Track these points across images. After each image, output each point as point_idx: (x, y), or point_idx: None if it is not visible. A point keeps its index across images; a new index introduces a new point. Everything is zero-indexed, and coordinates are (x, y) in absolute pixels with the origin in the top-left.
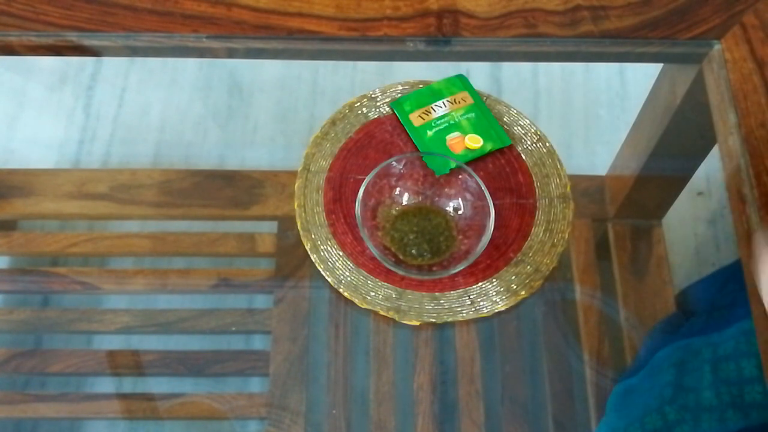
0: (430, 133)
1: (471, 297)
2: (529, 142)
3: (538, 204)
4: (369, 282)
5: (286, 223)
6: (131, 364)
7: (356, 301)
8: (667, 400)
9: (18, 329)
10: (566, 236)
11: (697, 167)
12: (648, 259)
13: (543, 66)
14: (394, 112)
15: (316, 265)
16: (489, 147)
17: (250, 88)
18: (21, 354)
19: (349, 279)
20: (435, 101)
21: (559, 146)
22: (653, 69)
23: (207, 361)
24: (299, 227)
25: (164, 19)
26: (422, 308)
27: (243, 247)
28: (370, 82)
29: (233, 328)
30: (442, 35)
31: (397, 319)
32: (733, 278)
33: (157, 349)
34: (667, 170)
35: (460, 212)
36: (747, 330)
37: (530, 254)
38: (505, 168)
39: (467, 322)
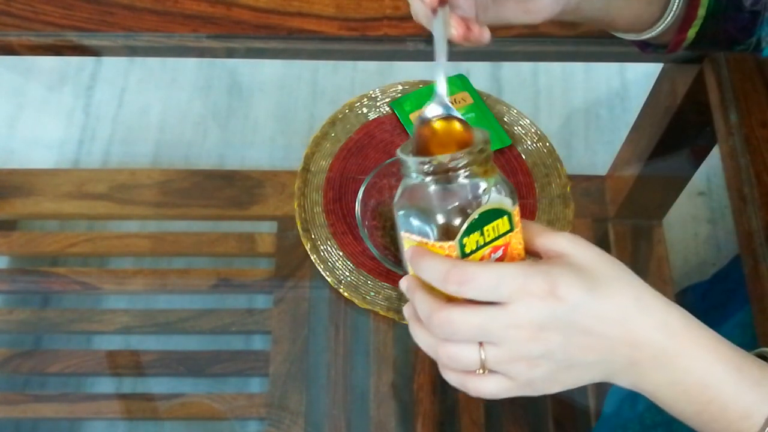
0: None
1: None
2: (529, 142)
3: (538, 204)
4: (369, 282)
5: (286, 223)
6: (131, 364)
7: (356, 301)
8: None
9: (18, 329)
10: None
11: (698, 167)
12: (648, 259)
13: (543, 66)
14: (394, 112)
15: (316, 265)
16: None
17: (250, 88)
18: (21, 354)
19: (349, 279)
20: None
21: (559, 146)
22: (653, 69)
23: (207, 362)
24: (299, 227)
25: (164, 18)
26: None
27: (243, 247)
28: (370, 82)
29: (233, 328)
30: None
31: (397, 319)
32: (729, 277)
33: (156, 349)
34: (668, 170)
35: None
36: (741, 323)
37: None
38: (505, 168)
39: None
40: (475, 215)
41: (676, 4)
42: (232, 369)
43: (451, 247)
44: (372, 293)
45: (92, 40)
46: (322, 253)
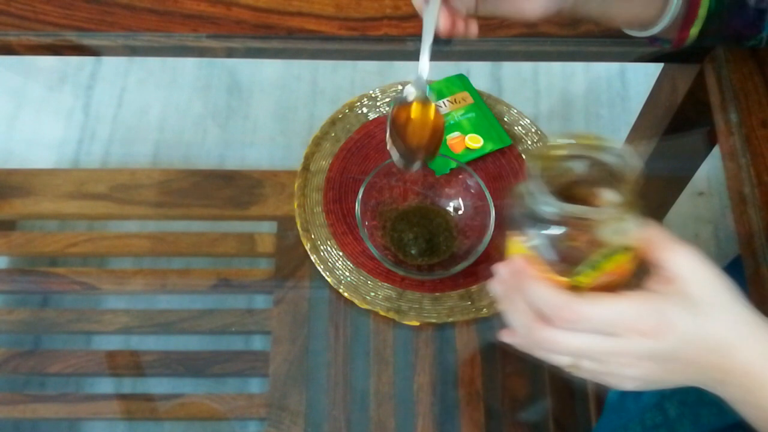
0: None
1: (471, 297)
2: (529, 142)
3: None
4: (369, 282)
5: (286, 223)
6: (131, 364)
7: (356, 301)
8: (667, 396)
9: (17, 329)
10: None
11: (698, 167)
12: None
13: (543, 66)
14: None
15: (316, 265)
16: (489, 147)
17: (250, 87)
18: (20, 354)
19: (349, 279)
20: (435, 101)
21: None
22: (653, 69)
23: (207, 362)
24: (299, 227)
25: (163, 18)
26: (422, 308)
27: (243, 247)
28: (370, 82)
29: (233, 328)
30: None
31: (397, 319)
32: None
33: (156, 350)
34: (668, 170)
35: (460, 212)
36: None
37: None
38: (505, 168)
39: (467, 322)
40: (598, 257)
41: (674, 4)
42: (232, 369)
43: (564, 281)
44: (372, 293)
45: (92, 40)
46: (322, 253)
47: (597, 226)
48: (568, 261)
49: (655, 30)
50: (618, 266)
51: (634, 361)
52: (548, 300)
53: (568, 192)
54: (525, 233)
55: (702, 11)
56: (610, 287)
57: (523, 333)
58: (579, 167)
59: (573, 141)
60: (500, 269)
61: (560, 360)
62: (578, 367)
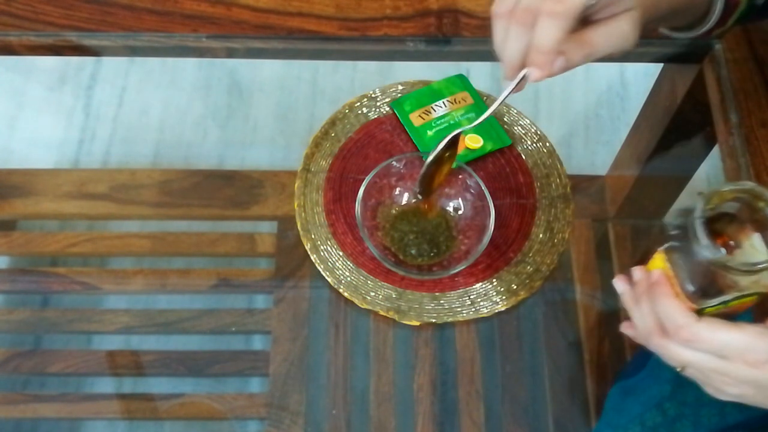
0: (430, 133)
1: (471, 297)
2: (529, 142)
3: (538, 204)
4: (369, 282)
5: (286, 223)
6: (131, 364)
7: (356, 301)
8: (667, 396)
9: (18, 329)
10: (566, 236)
11: (698, 167)
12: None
13: None
14: (394, 112)
15: (316, 265)
16: (489, 147)
17: (250, 88)
18: (21, 354)
19: (349, 279)
20: (435, 101)
21: (559, 146)
22: (653, 69)
23: (207, 361)
24: (299, 227)
25: (164, 18)
26: (422, 308)
27: (243, 247)
28: (370, 82)
29: (233, 328)
30: (442, 35)
31: (397, 319)
32: None
33: (156, 350)
34: (668, 170)
35: (460, 212)
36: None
37: (530, 254)
38: (505, 168)
39: (467, 322)
40: (731, 297)
41: (713, 16)
42: (232, 369)
43: (692, 307)
44: (372, 293)
45: (92, 40)
46: (322, 253)
47: (743, 274)
48: (701, 290)
49: (690, 35)
50: (743, 304)
51: (735, 383)
52: (673, 317)
53: (715, 220)
54: (672, 254)
55: (731, 21)
56: (727, 314)
57: (642, 333)
58: (738, 209)
59: (746, 189)
60: (637, 273)
61: (670, 361)
62: (685, 371)
